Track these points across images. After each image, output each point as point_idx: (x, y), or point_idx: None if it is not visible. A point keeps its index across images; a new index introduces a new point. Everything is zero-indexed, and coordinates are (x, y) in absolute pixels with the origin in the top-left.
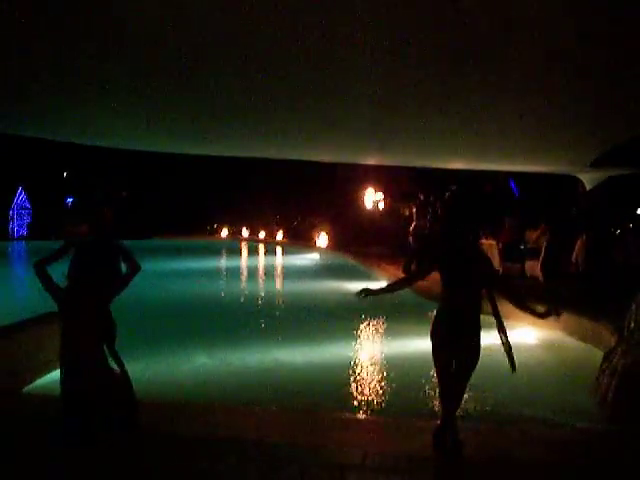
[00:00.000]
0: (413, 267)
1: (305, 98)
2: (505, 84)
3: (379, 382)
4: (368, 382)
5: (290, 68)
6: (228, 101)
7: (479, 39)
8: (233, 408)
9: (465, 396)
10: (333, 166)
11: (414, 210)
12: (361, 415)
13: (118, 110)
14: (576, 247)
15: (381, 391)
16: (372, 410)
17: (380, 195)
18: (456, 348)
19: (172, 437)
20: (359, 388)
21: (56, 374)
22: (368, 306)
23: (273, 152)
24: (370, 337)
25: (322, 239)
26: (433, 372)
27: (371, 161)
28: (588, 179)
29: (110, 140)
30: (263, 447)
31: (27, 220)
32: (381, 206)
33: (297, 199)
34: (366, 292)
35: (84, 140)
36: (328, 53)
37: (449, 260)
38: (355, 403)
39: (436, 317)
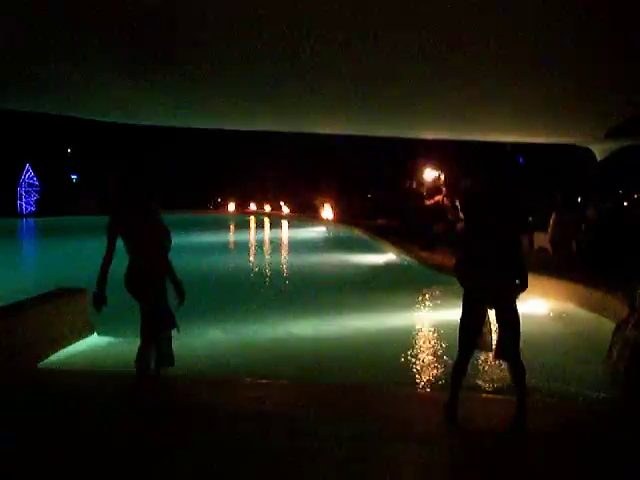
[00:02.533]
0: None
1: (313, 71)
2: (518, 53)
3: (390, 353)
4: (380, 354)
5: (299, 44)
6: (239, 74)
7: (489, 11)
8: (251, 381)
9: (476, 368)
10: (336, 138)
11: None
12: (378, 386)
13: (134, 84)
14: (586, 218)
15: (393, 362)
16: (384, 381)
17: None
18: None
19: (192, 409)
20: (371, 360)
21: (69, 350)
22: (379, 279)
23: (278, 125)
24: (380, 309)
25: (328, 212)
26: (445, 342)
27: (382, 133)
28: (599, 150)
29: (125, 115)
30: (286, 419)
31: (35, 197)
32: None
33: (302, 172)
34: None
35: (94, 116)
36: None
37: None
38: (368, 374)
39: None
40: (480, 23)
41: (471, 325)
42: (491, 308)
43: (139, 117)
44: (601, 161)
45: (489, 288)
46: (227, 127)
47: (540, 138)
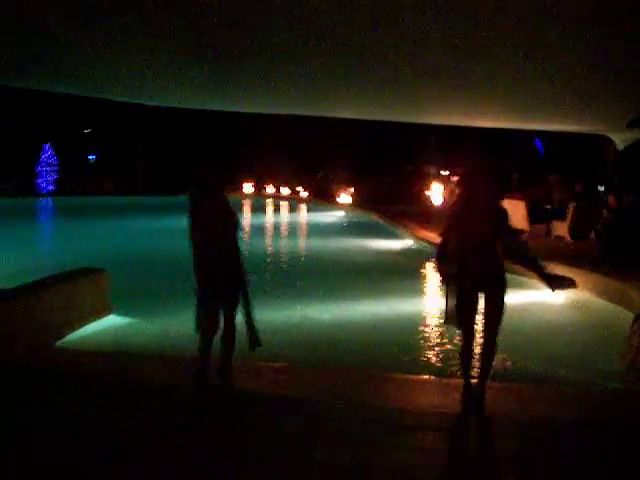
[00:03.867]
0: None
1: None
2: (543, 42)
3: (408, 339)
4: (397, 339)
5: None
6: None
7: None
8: (269, 365)
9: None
10: (355, 122)
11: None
12: (394, 373)
13: (159, 66)
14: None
15: (411, 348)
16: (400, 368)
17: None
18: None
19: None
20: (389, 345)
21: (87, 329)
22: (397, 264)
23: (298, 108)
24: (398, 295)
25: (346, 196)
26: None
27: (401, 118)
28: (621, 139)
29: (147, 96)
30: (303, 405)
31: (54, 176)
32: None
33: (319, 156)
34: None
35: (115, 96)
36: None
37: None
38: (383, 361)
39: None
40: (503, 8)
41: (465, 309)
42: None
43: (154, 98)
44: (622, 150)
45: (478, 273)
46: (247, 110)
47: (563, 126)
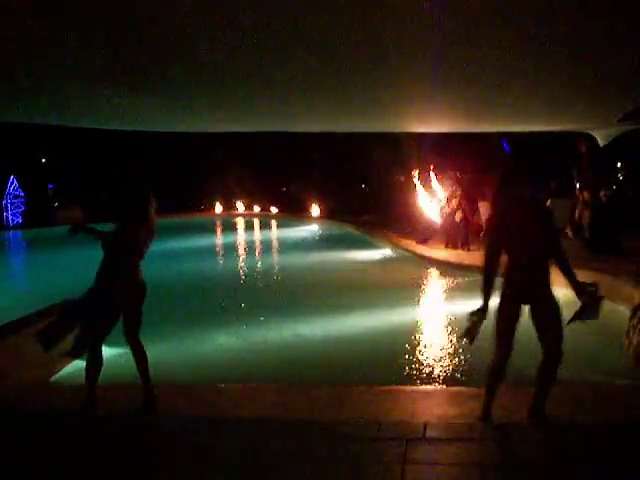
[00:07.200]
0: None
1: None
2: (532, 36)
3: (403, 350)
4: (393, 351)
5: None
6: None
7: None
8: (283, 387)
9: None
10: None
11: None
12: (407, 387)
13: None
14: (578, 206)
15: (407, 359)
16: (400, 378)
17: None
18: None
19: (198, 419)
20: (384, 357)
21: (78, 363)
22: (380, 275)
23: (269, 125)
24: (387, 306)
25: (315, 209)
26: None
27: (378, 129)
28: (603, 135)
29: (114, 122)
30: (321, 425)
31: (21, 208)
32: None
33: (286, 170)
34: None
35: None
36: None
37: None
38: (384, 373)
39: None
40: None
41: (507, 326)
42: (526, 304)
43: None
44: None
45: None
46: (215, 130)
47: (551, 127)
